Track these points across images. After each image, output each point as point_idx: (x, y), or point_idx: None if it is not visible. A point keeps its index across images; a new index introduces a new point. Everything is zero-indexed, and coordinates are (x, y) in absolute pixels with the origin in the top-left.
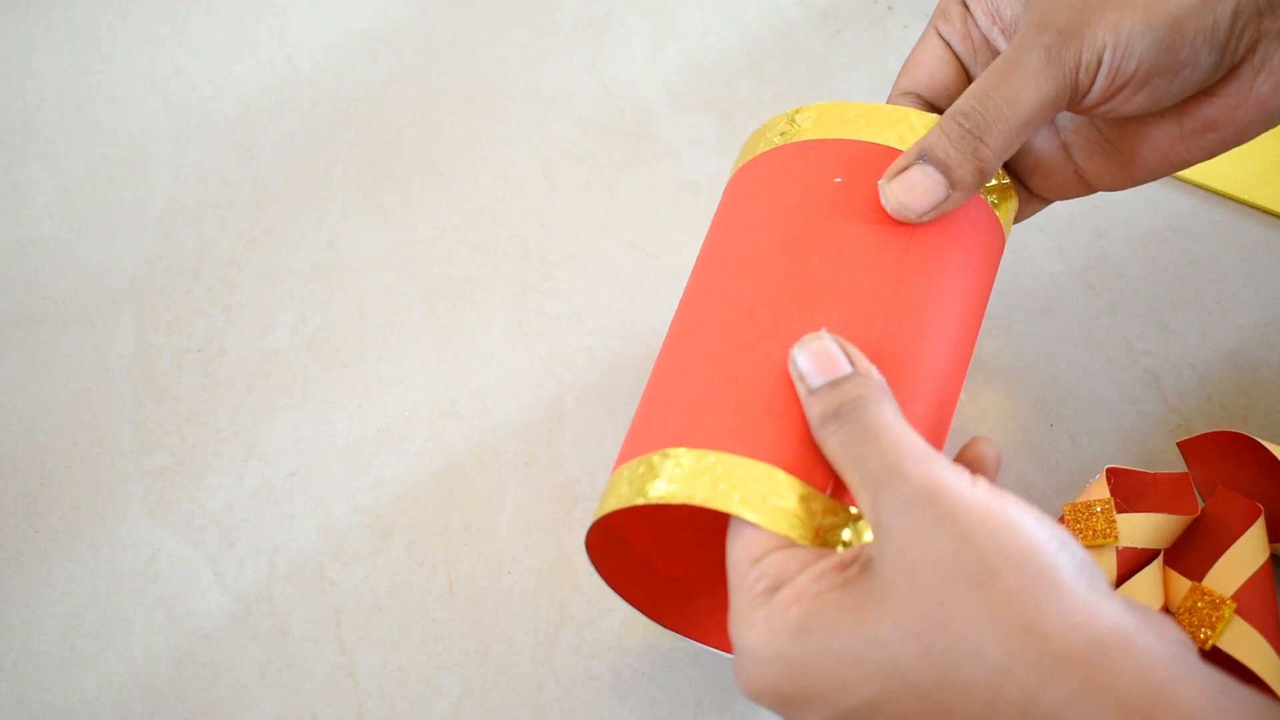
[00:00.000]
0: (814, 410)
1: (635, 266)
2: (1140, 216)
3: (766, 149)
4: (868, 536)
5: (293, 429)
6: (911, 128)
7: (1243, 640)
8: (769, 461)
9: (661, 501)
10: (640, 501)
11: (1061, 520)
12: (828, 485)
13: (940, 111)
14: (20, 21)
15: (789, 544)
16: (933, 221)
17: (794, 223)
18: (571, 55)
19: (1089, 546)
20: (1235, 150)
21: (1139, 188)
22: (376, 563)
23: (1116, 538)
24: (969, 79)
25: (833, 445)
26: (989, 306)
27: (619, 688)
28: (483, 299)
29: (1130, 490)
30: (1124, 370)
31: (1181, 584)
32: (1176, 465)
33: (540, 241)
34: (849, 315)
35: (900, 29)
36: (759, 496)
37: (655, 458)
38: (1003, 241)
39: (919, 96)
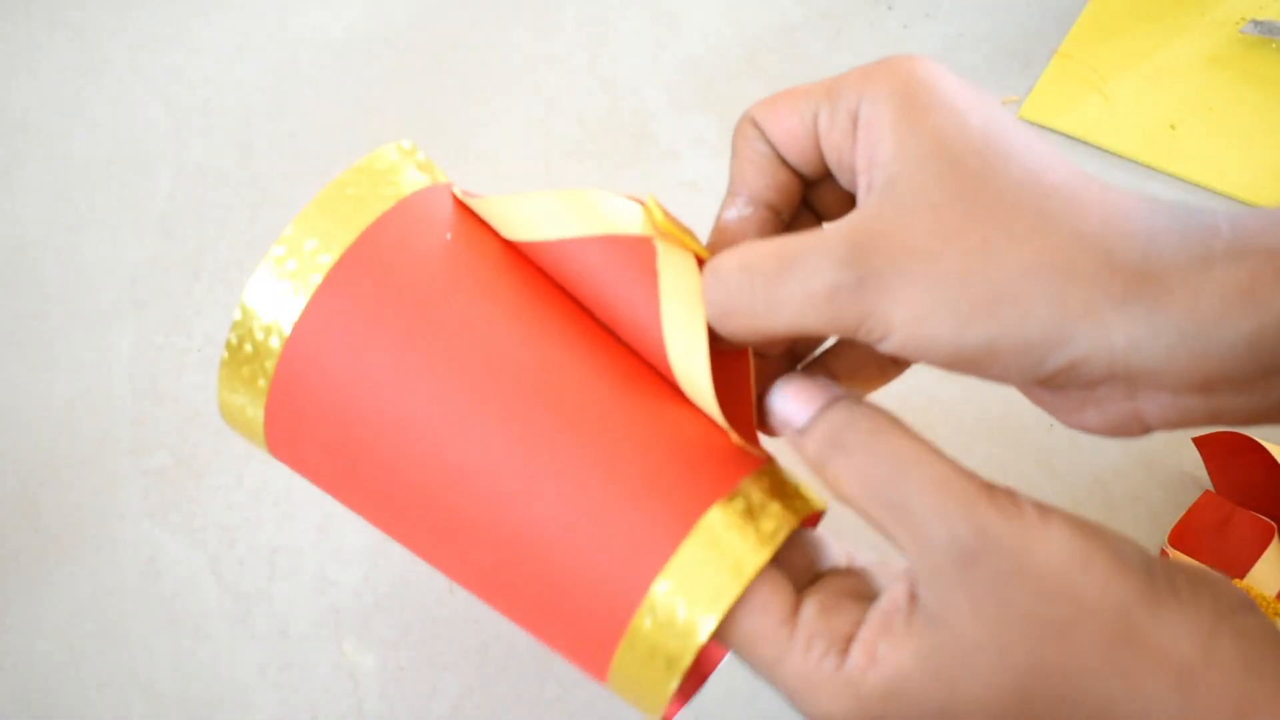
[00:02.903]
0: (810, 446)
1: None
2: None
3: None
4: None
5: None
6: (391, 163)
7: None
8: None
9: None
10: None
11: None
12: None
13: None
14: (20, 22)
15: (797, 594)
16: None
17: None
18: (571, 55)
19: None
20: (1235, 150)
21: (1138, 186)
22: (376, 563)
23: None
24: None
25: (849, 482)
26: None
27: None
28: None
29: (1219, 518)
30: None
31: None
32: (1176, 465)
33: None
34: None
35: (900, 29)
36: (718, 578)
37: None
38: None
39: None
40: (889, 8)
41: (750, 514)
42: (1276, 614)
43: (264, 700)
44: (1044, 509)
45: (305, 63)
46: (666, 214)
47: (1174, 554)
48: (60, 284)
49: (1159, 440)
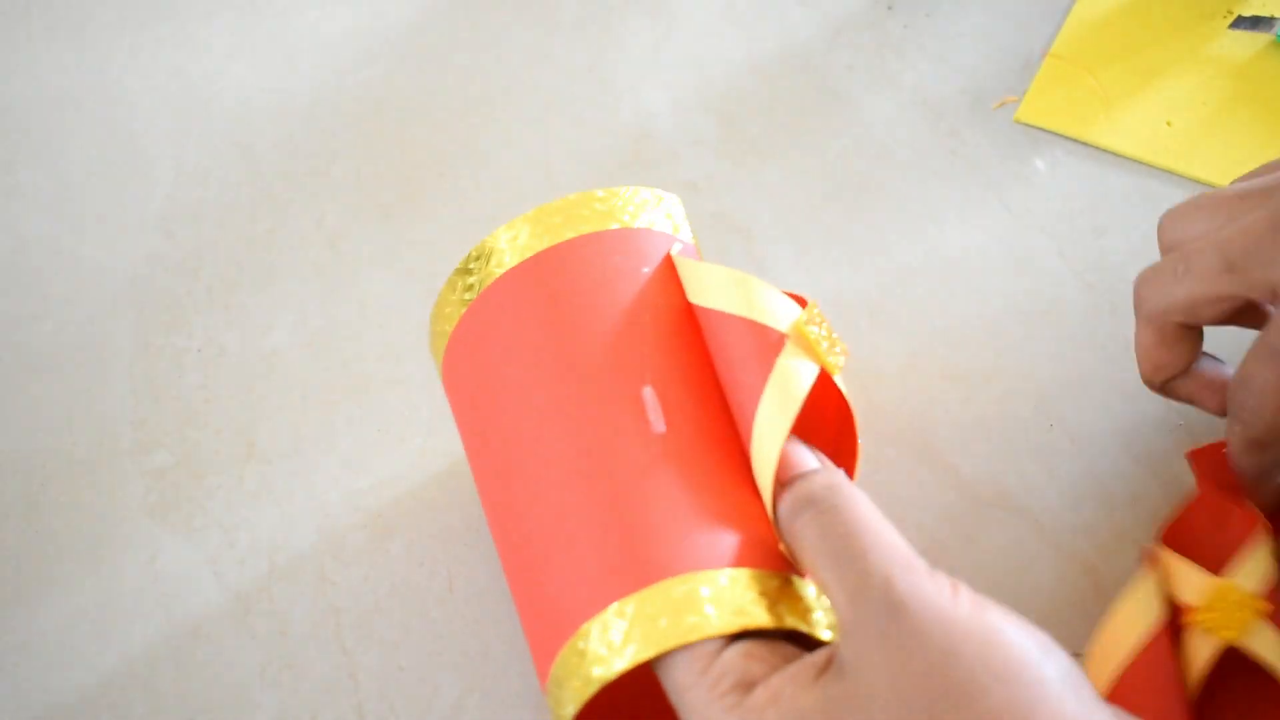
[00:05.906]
0: (787, 500)
1: None
2: (1140, 216)
3: (479, 290)
4: (825, 635)
5: (293, 429)
6: (627, 200)
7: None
8: (692, 570)
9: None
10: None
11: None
12: (778, 565)
13: None
14: (20, 21)
15: (736, 641)
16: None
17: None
18: (571, 55)
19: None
20: (1232, 144)
21: (1138, 185)
22: (376, 563)
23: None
24: None
25: (810, 535)
26: (991, 306)
27: None
28: None
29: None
30: (1124, 370)
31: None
32: (1176, 465)
33: None
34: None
35: (900, 29)
36: (685, 610)
37: (579, 643)
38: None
39: None
40: (889, 8)
41: (737, 599)
42: (1256, 612)
43: (264, 700)
44: (981, 599)
45: (305, 63)
46: (816, 320)
47: (1165, 553)
48: (60, 284)
49: (1159, 441)
